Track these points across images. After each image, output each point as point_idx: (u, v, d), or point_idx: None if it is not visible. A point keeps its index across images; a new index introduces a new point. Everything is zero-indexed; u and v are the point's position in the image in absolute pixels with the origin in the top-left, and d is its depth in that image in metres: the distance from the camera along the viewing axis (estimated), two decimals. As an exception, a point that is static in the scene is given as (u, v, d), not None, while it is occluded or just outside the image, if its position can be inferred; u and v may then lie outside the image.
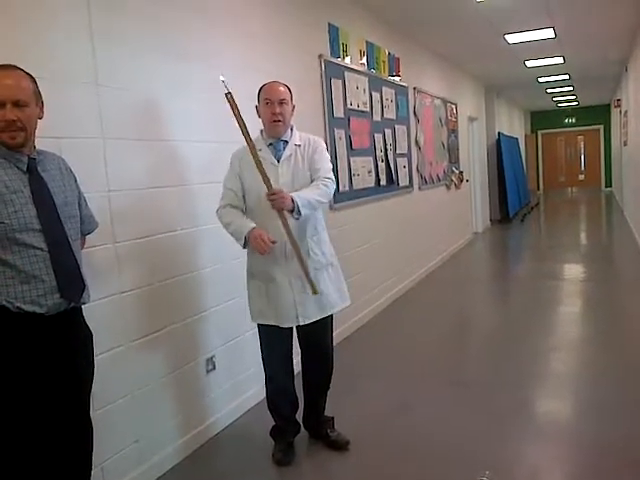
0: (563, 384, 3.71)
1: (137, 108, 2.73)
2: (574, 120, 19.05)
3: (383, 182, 5.69)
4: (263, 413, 3.02)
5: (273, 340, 2.82)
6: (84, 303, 2.03)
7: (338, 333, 4.57)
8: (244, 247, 2.68)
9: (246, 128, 2.51)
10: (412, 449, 2.92)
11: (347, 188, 4.90)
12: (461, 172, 9.10)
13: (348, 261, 4.80)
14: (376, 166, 5.53)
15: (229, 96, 2.48)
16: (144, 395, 2.72)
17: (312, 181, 2.74)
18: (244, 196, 2.74)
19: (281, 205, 2.53)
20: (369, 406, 3.43)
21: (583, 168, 19.64)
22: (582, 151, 19.49)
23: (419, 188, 6.95)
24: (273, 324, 2.76)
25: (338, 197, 4.71)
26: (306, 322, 2.74)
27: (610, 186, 17.62)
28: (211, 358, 3.16)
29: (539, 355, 4.14)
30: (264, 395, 2.97)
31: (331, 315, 2.88)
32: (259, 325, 2.84)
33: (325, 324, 2.85)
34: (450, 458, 2.80)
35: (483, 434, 3.02)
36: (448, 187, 8.39)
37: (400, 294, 6.05)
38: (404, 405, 3.42)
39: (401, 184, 6.23)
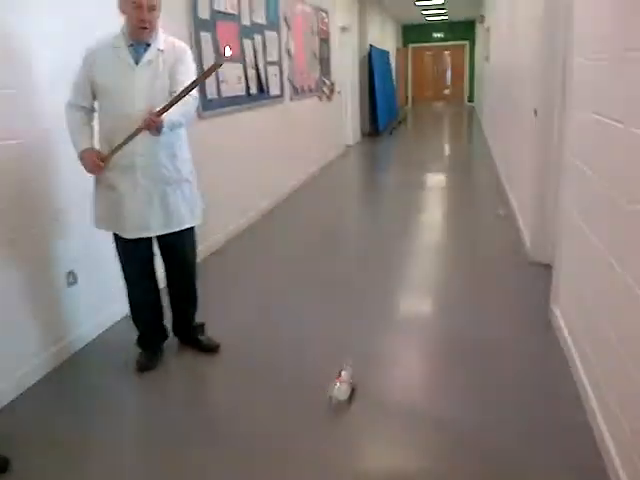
0: (422, 284, 4.01)
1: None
2: (442, 35, 19.56)
3: (253, 91, 5.56)
4: (131, 325, 2.99)
5: (128, 249, 2.77)
6: None
7: (209, 245, 4.57)
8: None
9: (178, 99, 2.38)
10: (281, 346, 3.06)
11: (215, 96, 4.74)
12: (332, 83, 9.11)
13: (217, 172, 4.73)
14: (246, 74, 5.37)
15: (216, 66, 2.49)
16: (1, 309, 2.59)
17: (171, 93, 2.60)
18: (95, 95, 2.61)
19: (153, 128, 2.43)
20: (240, 312, 3.52)
21: (449, 83, 20.44)
22: (449, 66, 20.19)
23: (290, 98, 6.88)
24: (114, 231, 2.74)
25: (206, 105, 4.56)
26: (150, 235, 2.73)
27: (472, 101, 18.54)
28: (72, 271, 3.04)
29: (402, 257, 4.43)
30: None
31: (192, 229, 2.86)
32: (114, 234, 2.78)
33: (183, 237, 2.83)
34: (317, 351, 2.98)
35: (348, 328, 3.23)
36: (320, 98, 8.39)
37: (272, 205, 6.10)
38: (273, 307, 3.55)
39: (272, 93, 6.13)
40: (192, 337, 3.06)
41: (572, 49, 2.84)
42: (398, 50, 18.69)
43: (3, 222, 2.61)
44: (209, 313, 3.22)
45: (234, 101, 5.12)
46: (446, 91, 20.51)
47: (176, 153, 2.71)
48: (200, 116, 4.45)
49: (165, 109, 2.39)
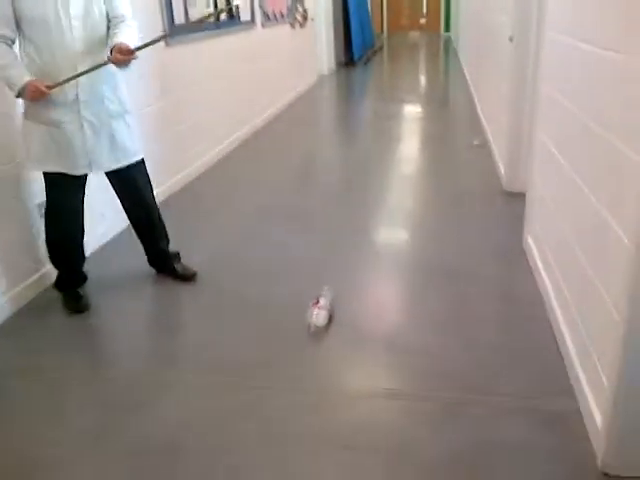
0: (395, 212, 4.02)
1: None
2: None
3: (223, 16, 5.34)
4: (104, 256, 2.96)
5: (62, 190, 2.63)
6: None
7: (179, 178, 4.49)
8: (17, 97, 2.43)
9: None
10: (257, 275, 3.07)
11: (183, 21, 4.54)
12: (305, 10, 8.79)
13: (185, 102, 4.59)
14: (215, -3, 5.14)
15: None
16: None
17: (112, 18, 2.53)
18: (19, 25, 2.38)
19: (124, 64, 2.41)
20: (215, 242, 3.50)
21: (425, 12, 19.89)
22: (425, -7, 19.61)
23: (262, 25, 6.63)
24: (59, 171, 2.57)
25: (174, 30, 4.37)
26: (101, 171, 2.65)
27: (449, 31, 18.14)
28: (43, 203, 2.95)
29: (378, 188, 4.42)
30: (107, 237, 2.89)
31: (142, 160, 2.79)
32: (45, 173, 2.62)
33: (135, 170, 2.77)
34: (293, 279, 3.01)
35: (324, 258, 3.25)
36: (292, 26, 8.10)
37: (245, 137, 5.98)
38: (248, 238, 3.54)
39: (242, 19, 5.90)
40: (167, 266, 3.04)
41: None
42: (373, -24, 18.02)
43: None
44: (184, 244, 3.19)
45: (203, 27, 4.91)
46: (422, 20, 19.97)
47: (118, 84, 2.62)
48: (167, 43, 4.27)
49: (139, 48, 2.39)
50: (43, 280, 2.99)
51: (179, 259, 3.08)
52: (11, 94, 2.43)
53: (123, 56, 2.40)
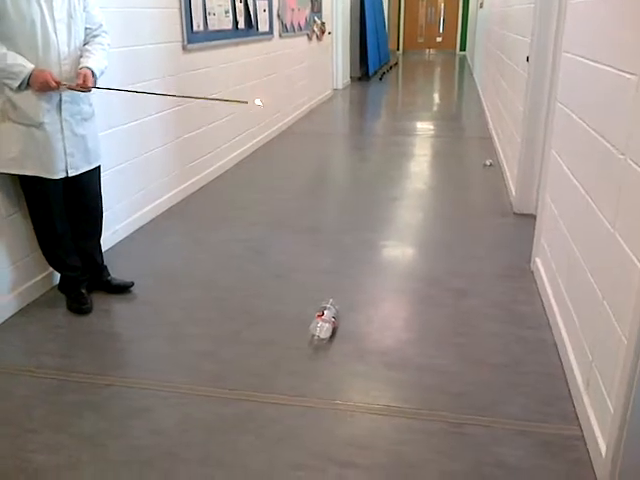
0: (404, 228, 4.01)
1: None
2: (437, -20, 18.98)
3: (241, 25, 5.38)
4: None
5: (50, 191, 2.60)
6: None
7: (193, 182, 4.51)
8: (18, 87, 2.39)
9: None
10: (262, 286, 3.06)
11: (201, 28, 4.58)
12: (323, 23, 8.84)
13: (202, 108, 4.61)
14: (234, 7, 5.17)
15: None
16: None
17: (86, 29, 2.59)
18: None
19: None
20: (225, 248, 3.49)
21: (441, 30, 19.98)
22: (442, 13, 19.69)
23: (280, 36, 6.68)
24: (37, 175, 2.53)
25: (192, 37, 4.40)
26: (77, 173, 2.63)
27: (464, 50, 18.20)
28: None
29: (387, 203, 4.40)
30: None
31: (99, 166, 2.79)
32: (23, 181, 2.60)
33: (96, 173, 2.78)
34: (297, 290, 2.99)
35: (330, 271, 3.23)
36: (310, 38, 8.16)
37: (257, 147, 5.99)
38: (255, 246, 3.53)
39: (261, 29, 5.93)
40: (102, 279, 2.96)
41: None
42: (391, -7, 18.15)
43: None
44: (199, 251, 3.18)
45: (221, 35, 4.95)
46: (438, 39, 20.06)
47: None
48: (185, 48, 4.31)
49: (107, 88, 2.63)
50: (49, 279, 3.00)
51: (108, 271, 3.00)
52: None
53: (83, 87, 2.48)
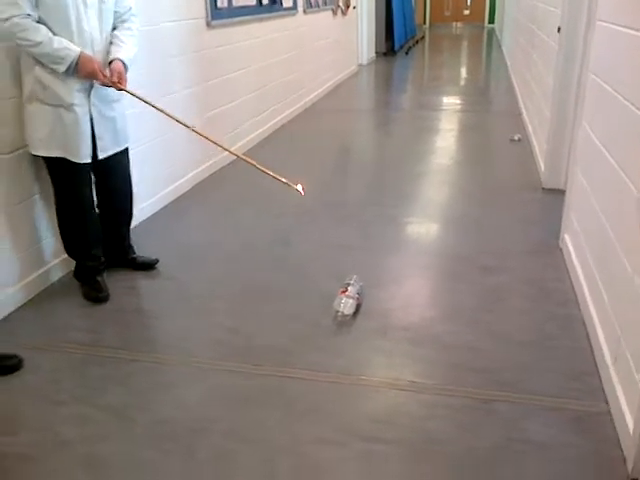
0: (429, 204, 3.96)
1: None
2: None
3: (265, 1, 5.31)
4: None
5: (74, 177, 2.59)
6: None
7: (215, 162, 4.50)
8: (66, 71, 2.38)
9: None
10: (286, 262, 3.06)
11: (225, 4, 4.53)
12: (348, -3, 8.71)
13: (225, 85, 4.59)
14: (257, -18, 5.11)
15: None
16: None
17: (115, 12, 2.57)
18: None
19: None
20: (249, 226, 3.50)
21: (469, 3, 19.51)
22: (470, -16, 19.22)
23: (304, 11, 6.59)
24: (63, 157, 2.51)
25: (216, 14, 4.36)
26: (104, 156, 2.62)
27: (493, 23, 17.77)
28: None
29: (414, 180, 4.36)
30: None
31: (127, 147, 2.79)
32: (50, 163, 2.56)
33: (126, 154, 2.79)
34: (321, 266, 2.98)
35: (355, 246, 3.22)
36: (334, 12, 8.03)
37: (282, 123, 5.96)
38: (281, 225, 3.52)
39: (285, 5, 5.86)
40: (127, 257, 2.98)
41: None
42: (418, -35, 17.75)
43: None
44: (223, 228, 3.18)
45: (245, 11, 4.90)
46: (466, 12, 19.60)
47: None
48: (209, 25, 4.28)
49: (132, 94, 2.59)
50: (55, 271, 2.90)
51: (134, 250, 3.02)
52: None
53: (115, 84, 2.50)
